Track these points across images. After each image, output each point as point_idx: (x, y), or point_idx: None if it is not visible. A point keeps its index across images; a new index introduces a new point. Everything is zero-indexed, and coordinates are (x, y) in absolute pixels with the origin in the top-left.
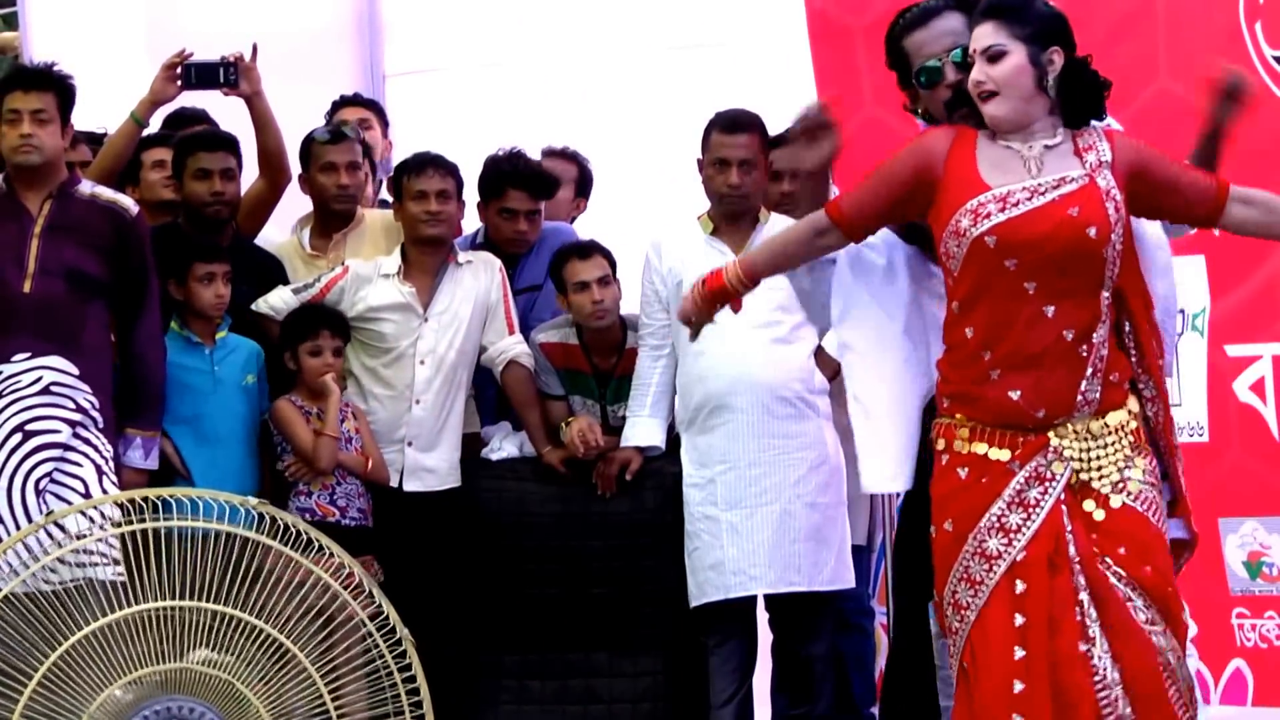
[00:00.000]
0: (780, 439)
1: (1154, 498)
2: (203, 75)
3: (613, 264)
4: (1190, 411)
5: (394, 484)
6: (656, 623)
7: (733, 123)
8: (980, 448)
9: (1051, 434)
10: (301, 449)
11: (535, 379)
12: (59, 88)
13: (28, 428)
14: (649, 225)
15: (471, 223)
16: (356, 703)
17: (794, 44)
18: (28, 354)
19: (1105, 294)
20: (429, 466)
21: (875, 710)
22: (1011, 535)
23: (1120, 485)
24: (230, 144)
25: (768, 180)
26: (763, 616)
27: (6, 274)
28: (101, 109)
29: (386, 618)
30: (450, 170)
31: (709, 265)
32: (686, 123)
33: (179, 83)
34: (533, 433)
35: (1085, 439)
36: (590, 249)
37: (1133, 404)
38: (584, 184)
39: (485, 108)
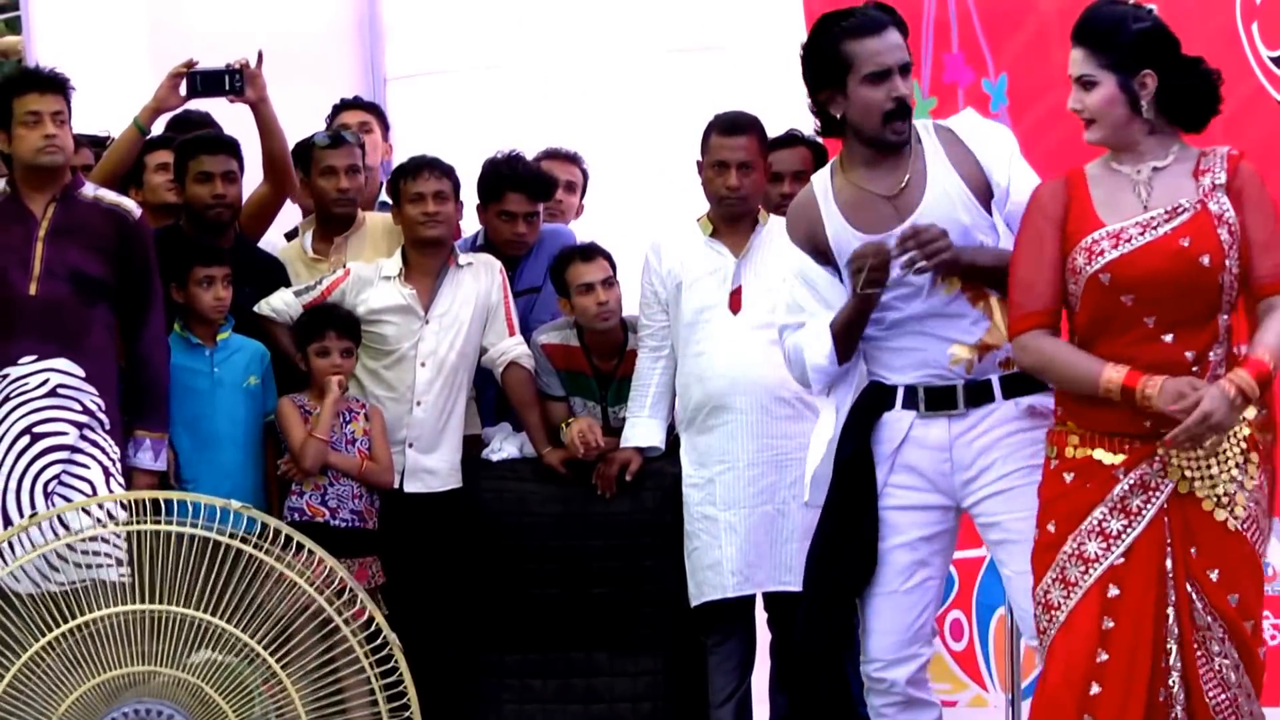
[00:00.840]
0: (779, 439)
1: (1259, 517)
2: (209, 83)
3: (613, 266)
4: None
5: (394, 485)
6: (657, 622)
7: (731, 125)
8: (1090, 452)
9: (1159, 443)
10: (291, 449)
11: (536, 380)
12: (67, 91)
13: (35, 430)
14: (649, 227)
15: (471, 224)
16: (357, 706)
17: (792, 47)
18: (34, 356)
19: (1224, 316)
20: (429, 468)
21: None
22: (1111, 541)
23: (1228, 500)
24: (231, 147)
25: (767, 182)
26: (762, 615)
27: (12, 277)
28: (104, 112)
29: (373, 621)
30: (446, 172)
31: (708, 266)
32: (686, 125)
33: (184, 92)
34: (533, 433)
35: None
36: (593, 251)
37: (1248, 411)
38: (584, 186)
39: (486, 111)
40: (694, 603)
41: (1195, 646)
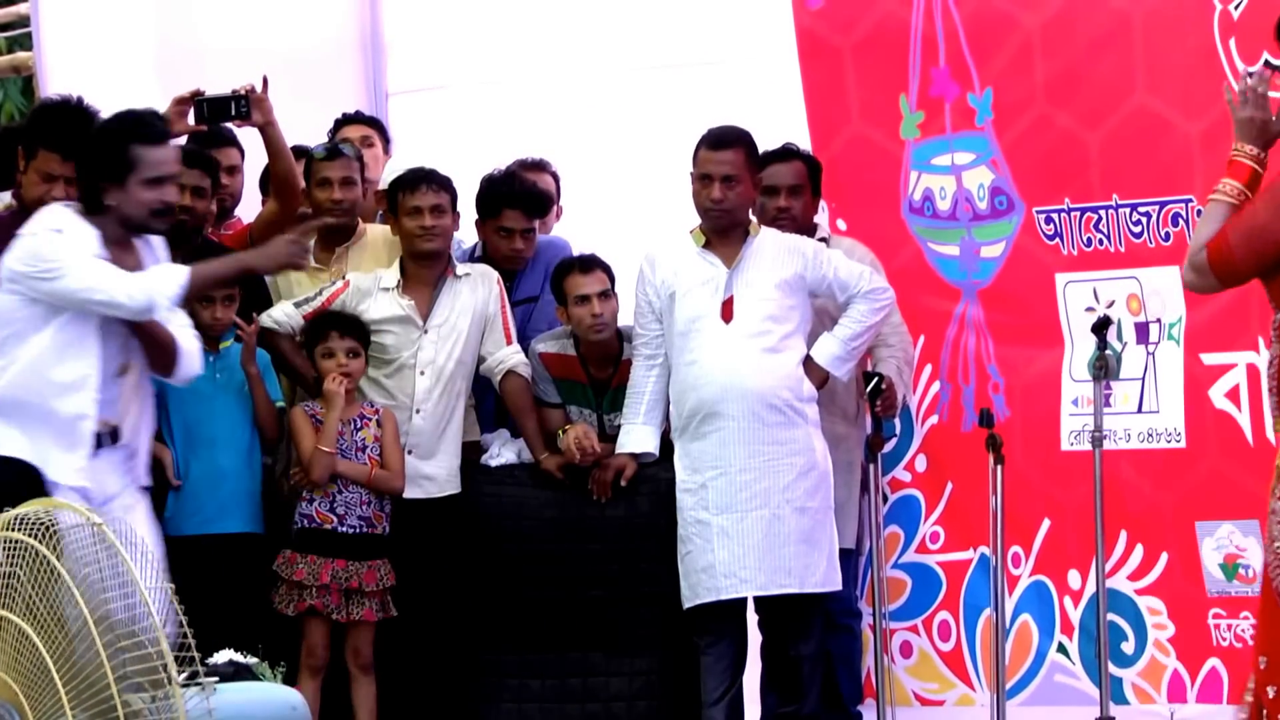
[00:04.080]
0: (770, 445)
1: None
2: (215, 109)
3: (612, 278)
4: (1167, 418)
5: (404, 491)
6: (651, 624)
7: (717, 140)
8: None
9: None
10: (301, 458)
11: (533, 387)
12: None
13: None
14: (644, 239)
15: (468, 233)
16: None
17: (784, 62)
18: None
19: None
20: (428, 474)
21: (862, 709)
22: None
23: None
24: (204, 161)
25: (755, 193)
26: (752, 618)
27: None
28: None
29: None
30: (443, 184)
31: (701, 277)
32: (682, 139)
33: (192, 119)
34: (530, 440)
35: None
36: (592, 263)
37: None
38: (558, 189)
39: (486, 125)
40: (687, 605)
41: None
